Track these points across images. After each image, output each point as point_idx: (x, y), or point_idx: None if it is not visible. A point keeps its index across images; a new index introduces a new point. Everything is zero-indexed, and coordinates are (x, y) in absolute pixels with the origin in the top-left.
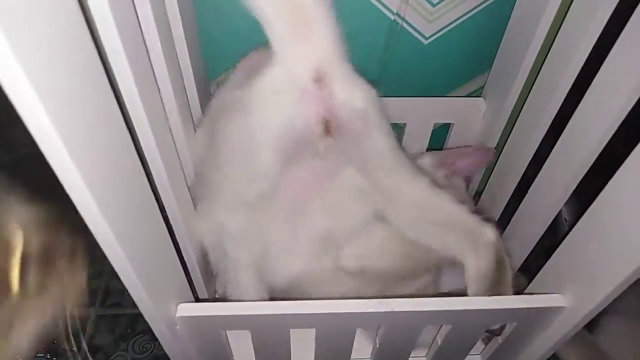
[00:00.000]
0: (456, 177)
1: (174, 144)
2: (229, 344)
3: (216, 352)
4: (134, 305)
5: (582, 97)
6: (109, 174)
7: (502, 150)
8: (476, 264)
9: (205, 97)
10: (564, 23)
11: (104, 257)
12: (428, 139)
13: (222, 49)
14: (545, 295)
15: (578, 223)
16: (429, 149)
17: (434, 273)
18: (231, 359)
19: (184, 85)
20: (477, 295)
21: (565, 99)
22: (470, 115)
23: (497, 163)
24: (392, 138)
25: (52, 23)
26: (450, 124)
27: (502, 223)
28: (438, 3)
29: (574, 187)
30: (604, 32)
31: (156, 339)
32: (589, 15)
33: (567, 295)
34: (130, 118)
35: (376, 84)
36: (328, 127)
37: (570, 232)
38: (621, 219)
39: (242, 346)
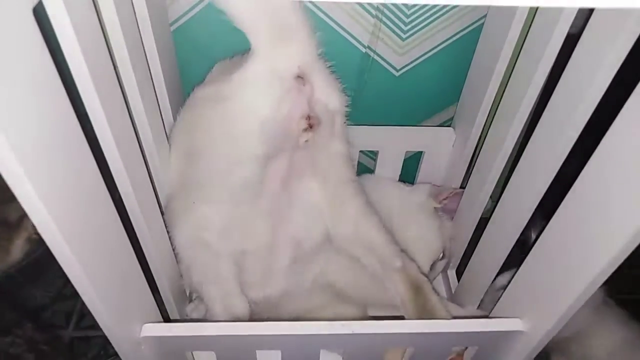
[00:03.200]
0: (445, 215)
1: (144, 165)
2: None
3: None
4: None
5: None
6: (68, 194)
7: (469, 178)
8: (393, 287)
9: None
10: (519, 58)
11: None
12: (400, 166)
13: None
14: (504, 319)
15: (532, 249)
16: (401, 176)
17: None
18: None
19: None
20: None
21: (528, 128)
22: (440, 144)
23: (466, 189)
24: (348, 148)
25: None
26: (421, 152)
27: (471, 249)
28: (407, 38)
29: (530, 214)
30: (555, 66)
31: None
32: (541, 49)
33: (525, 320)
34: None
35: (350, 113)
36: (311, 123)
37: (526, 259)
38: (567, 245)
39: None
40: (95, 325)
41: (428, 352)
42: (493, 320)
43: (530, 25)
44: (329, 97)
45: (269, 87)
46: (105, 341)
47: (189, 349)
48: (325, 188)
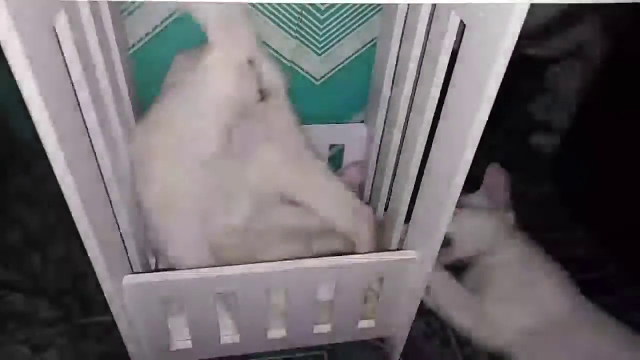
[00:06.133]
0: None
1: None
2: (166, 315)
3: (156, 324)
4: None
5: None
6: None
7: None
8: (361, 234)
9: None
10: (399, 67)
11: None
12: (327, 157)
13: None
14: (404, 251)
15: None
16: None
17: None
18: (167, 329)
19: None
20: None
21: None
22: (356, 138)
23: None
24: (296, 119)
25: None
26: (343, 145)
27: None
28: (322, 54)
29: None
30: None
31: None
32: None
33: (418, 250)
34: None
35: None
36: (262, 95)
37: (416, 203)
38: (432, 188)
39: (178, 321)
40: None
41: (351, 281)
42: (396, 252)
43: (403, 38)
44: (273, 75)
45: (227, 70)
46: None
47: (162, 294)
48: (286, 153)
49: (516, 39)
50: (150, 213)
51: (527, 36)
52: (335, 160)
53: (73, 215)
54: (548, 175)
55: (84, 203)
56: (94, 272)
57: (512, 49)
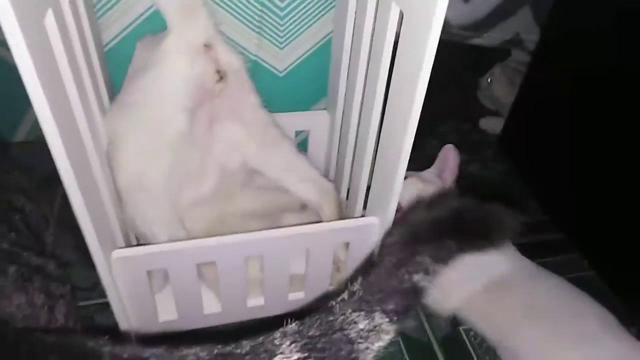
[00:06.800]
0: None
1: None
2: (151, 287)
3: (143, 296)
4: None
5: None
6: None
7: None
8: (326, 207)
9: None
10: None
11: None
12: (293, 141)
13: None
14: (366, 217)
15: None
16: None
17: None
18: (154, 301)
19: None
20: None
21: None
22: (319, 123)
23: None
24: (259, 99)
25: None
26: (308, 130)
27: None
28: (284, 47)
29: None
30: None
31: None
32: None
33: (378, 215)
34: None
35: None
36: (221, 76)
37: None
38: (384, 156)
39: (163, 296)
40: None
41: (320, 250)
42: (360, 219)
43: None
44: (230, 57)
45: (185, 53)
46: None
47: (148, 267)
48: (250, 130)
49: (442, 22)
50: (122, 194)
51: (471, 27)
52: (301, 146)
53: (68, 191)
54: (498, 156)
55: (77, 178)
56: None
57: (440, 29)
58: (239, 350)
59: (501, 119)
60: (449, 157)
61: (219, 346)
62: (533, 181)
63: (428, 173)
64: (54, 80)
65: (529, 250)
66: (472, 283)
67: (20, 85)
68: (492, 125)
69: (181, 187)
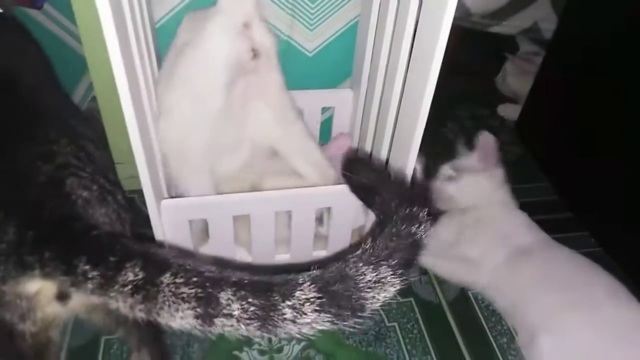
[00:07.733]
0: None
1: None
2: (191, 234)
3: (184, 241)
4: None
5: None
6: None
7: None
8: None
9: None
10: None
11: None
12: (319, 117)
13: None
14: None
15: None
16: (321, 128)
17: None
18: (194, 247)
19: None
20: None
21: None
22: (344, 101)
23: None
24: (284, 80)
25: None
26: (333, 107)
27: None
28: (314, 29)
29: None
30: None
31: None
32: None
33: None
34: None
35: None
36: (255, 54)
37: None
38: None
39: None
40: None
41: (303, 212)
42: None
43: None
44: (264, 37)
45: (229, 33)
46: None
47: (191, 216)
48: (273, 110)
49: (455, 2)
50: (167, 160)
51: (491, 16)
52: (327, 122)
53: (133, 146)
54: (514, 140)
55: (140, 135)
56: None
57: (453, 10)
58: (273, 280)
59: (518, 107)
60: (488, 144)
61: (258, 276)
62: (546, 165)
63: (471, 159)
64: (126, 54)
65: (540, 227)
66: (498, 254)
67: (69, 61)
68: (510, 112)
69: (218, 157)
